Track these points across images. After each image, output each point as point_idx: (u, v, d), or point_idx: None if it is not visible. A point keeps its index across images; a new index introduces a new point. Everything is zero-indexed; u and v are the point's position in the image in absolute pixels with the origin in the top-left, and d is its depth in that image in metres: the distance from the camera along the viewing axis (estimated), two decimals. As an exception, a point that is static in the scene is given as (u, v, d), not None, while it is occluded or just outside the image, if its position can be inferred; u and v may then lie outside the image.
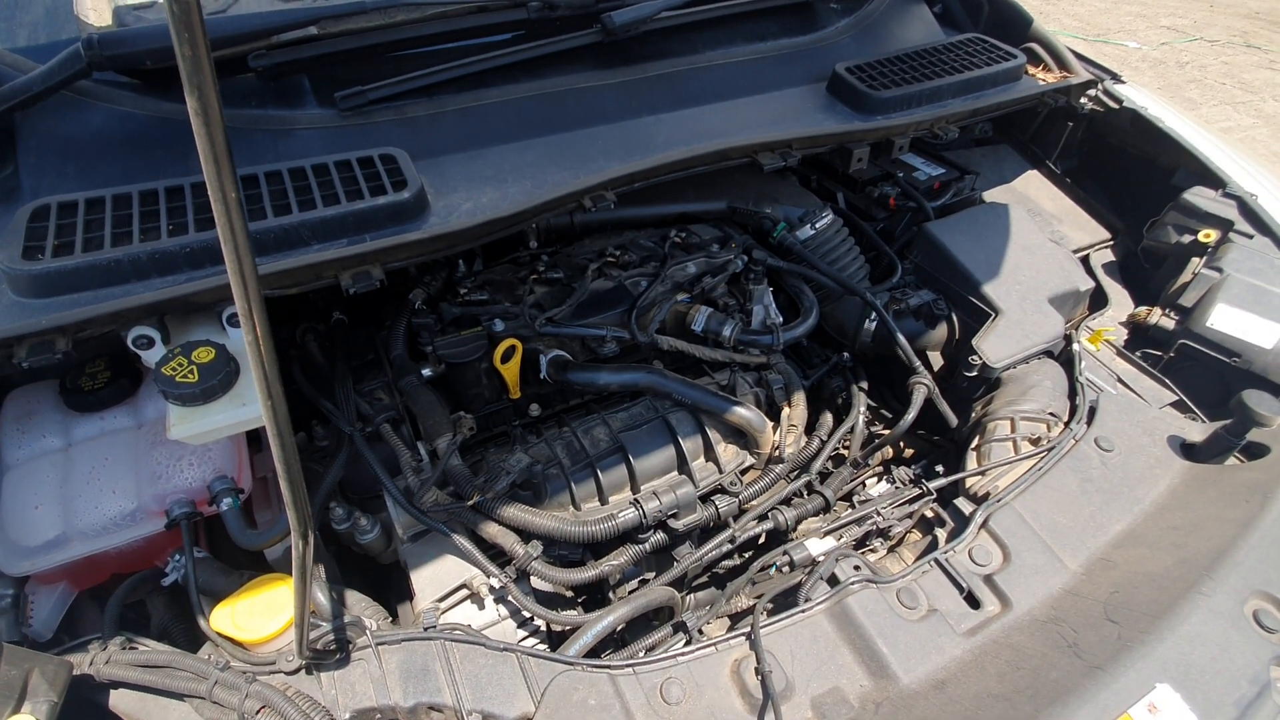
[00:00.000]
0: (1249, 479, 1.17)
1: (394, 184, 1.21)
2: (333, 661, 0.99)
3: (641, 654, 1.14)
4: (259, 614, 1.02)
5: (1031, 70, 1.93)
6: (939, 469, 1.42)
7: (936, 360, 1.70)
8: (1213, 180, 1.70)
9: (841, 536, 1.24)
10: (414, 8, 1.42)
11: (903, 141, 1.62)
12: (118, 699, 0.97)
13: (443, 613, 1.15)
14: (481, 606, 1.23)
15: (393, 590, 1.34)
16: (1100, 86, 1.92)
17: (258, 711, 0.88)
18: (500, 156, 1.40)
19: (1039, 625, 1.01)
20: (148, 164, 1.28)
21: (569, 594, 1.36)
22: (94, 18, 1.36)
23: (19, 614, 1.09)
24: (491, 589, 1.22)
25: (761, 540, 1.43)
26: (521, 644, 1.03)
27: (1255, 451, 1.26)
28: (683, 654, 0.99)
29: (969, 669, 0.96)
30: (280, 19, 1.31)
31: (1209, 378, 1.51)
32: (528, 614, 1.22)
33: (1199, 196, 1.66)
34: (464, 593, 1.22)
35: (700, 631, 1.18)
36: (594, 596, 1.38)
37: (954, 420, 1.52)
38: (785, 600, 1.10)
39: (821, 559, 1.15)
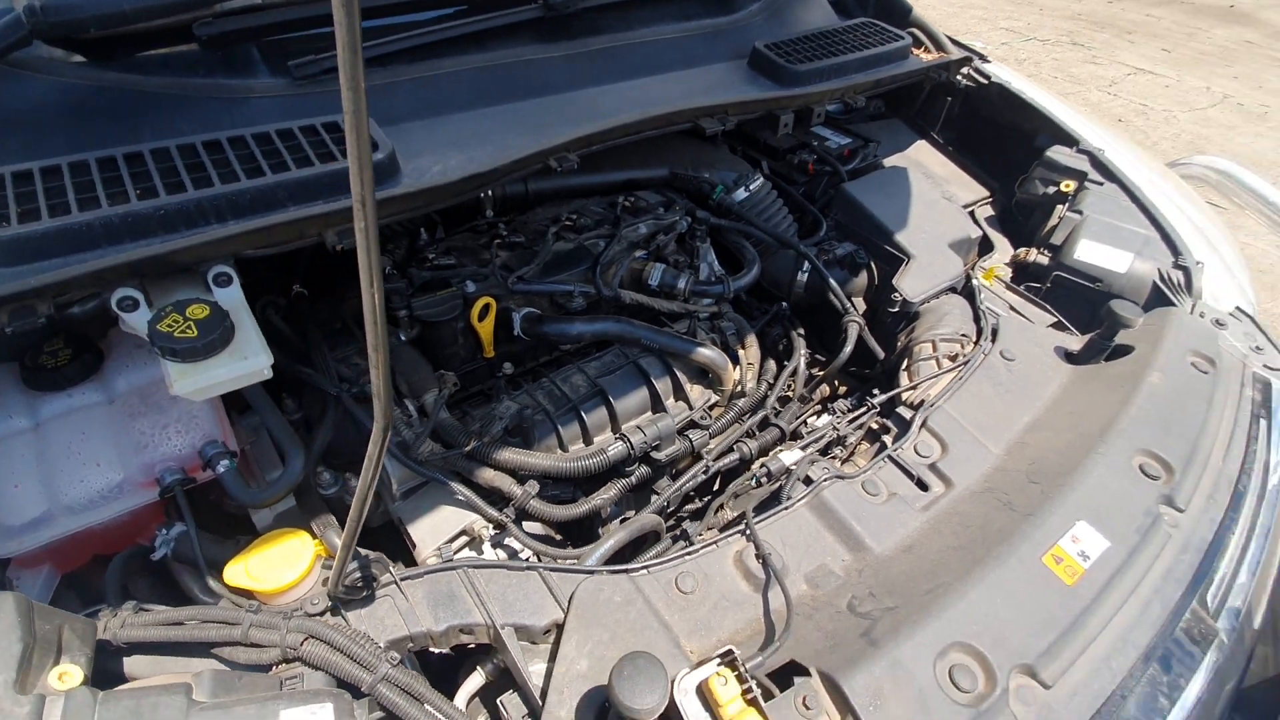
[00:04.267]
0: (1120, 370, 1.43)
1: (365, 147, 1.24)
2: (359, 599, 1.01)
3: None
4: (274, 565, 1.03)
5: (915, 51, 2.19)
6: (875, 392, 1.61)
7: (859, 305, 1.91)
8: (1067, 140, 2.02)
9: (808, 448, 1.39)
10: (360, -20, 1.44)
11: (820, 109, 1.81)
12: (133, 665, 0.95)
13: (454, 554, 1.20)
14: (480, 551, 1.28)
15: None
16: (972, 65, 2.21)
17: (302, 643, 0.90)
18: (459, 124, 1.45)
19: (978, 495, 1.20)
20: (94, 134, 1.24)
21: (557, 537, 1.43)
22: (16, -16, 1.28)
23: None
24: (489, 533, 1.27)
25: (727, 471, 1.56)
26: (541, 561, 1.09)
27: (1122, 351, 1.53)
28: (689, 552, 1.10)
29: (928, 534, 1.13)
30: (227, -13, 1.30)
31: (1078, 300, 1.80)
32: (526, 553, 1.28)
33: (1058, 154, 1.97)
34: (464, 539, 1.27)
35: (700, 536, 1.29)
36: (583, 536, 1.46)
37: (881, 353, 1.72)
38: (767, 505, 1.23)
39: (794, 466, 1.29)
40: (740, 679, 0.85)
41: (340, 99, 1.42)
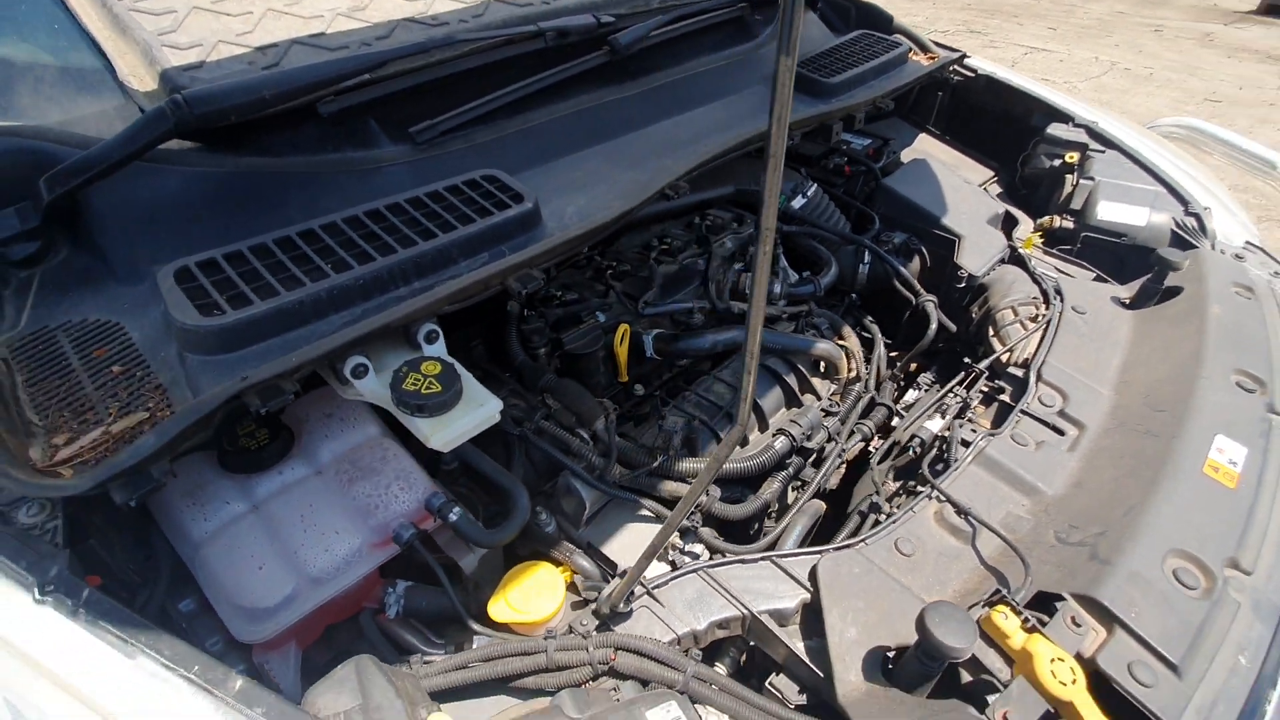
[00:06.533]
0: (1181, 308, 1.63)
1: (511, 198, 1.31)
2: (623, 614, 1.07)
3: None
4: (532, 597, 1.08)
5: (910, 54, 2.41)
6: (966, 360, 1.76)
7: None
8: (1061, 117, 2.26)
9: (944, 414, 1.51)
10: (451, 46, 1.51)
11: (860, 115, 1.98)
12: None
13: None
14: (670, 560, 1.34)
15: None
16: (960, 61, 2.44)
17: (612, 655, 0.94)
18: (568, 167, 1.54)
19: (1113, 431, 1.35)
20: (243, 220, 1.26)
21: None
22: (137, 84, 1.30)
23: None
24: (678, 540, 1.34)
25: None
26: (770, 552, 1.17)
27: (1171, 293, 1.73)
28: (893, 521, 1.20)
29: (1089, 470, 1.27)
30: (348, 66, 1.35)
31: (1106, 256, 2.01)
32: (711, 552, 1.35)
33: (1058, 129, 2.20)
34: (655, 550, 1.33)
35: (888, 503, 1.38)
36: (734, 535, 1.53)
37: (954, 327, 1.88)
38: (931, 470, 1.35)
39: (947, 433, 1.42)
40: (1016, 612, 0.95)
41: (464, 158, 1.51)
